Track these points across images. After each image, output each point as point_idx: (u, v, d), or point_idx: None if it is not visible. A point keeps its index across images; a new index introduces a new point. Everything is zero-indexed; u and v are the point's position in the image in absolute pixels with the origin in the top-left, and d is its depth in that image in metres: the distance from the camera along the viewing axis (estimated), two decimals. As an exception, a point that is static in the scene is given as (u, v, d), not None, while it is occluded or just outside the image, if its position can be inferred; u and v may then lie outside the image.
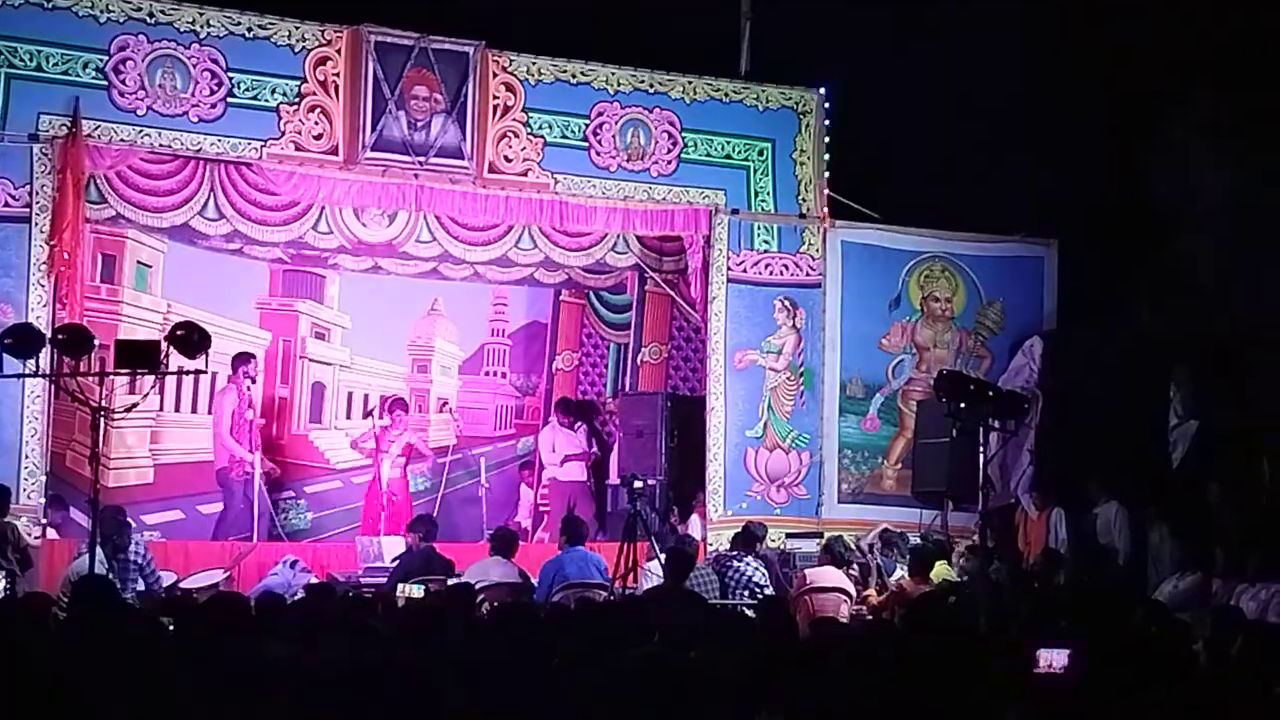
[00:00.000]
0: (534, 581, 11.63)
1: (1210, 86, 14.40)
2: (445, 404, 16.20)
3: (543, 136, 14.12)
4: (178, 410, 14.75)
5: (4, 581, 9.79)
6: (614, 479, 15.28)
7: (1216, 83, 14.33)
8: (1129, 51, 14.58)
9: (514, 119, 14.03)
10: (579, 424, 15.80)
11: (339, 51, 13.48)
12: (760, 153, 14.93)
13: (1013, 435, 12.59)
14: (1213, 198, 14.63)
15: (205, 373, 11.58)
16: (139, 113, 12.83)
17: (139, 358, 10.28)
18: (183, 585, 11.92)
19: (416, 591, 10.63)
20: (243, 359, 14.31)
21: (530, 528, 16.04)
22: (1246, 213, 14.30)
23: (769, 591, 11.98)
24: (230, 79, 13.11)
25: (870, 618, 11.43)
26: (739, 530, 13.07)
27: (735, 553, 12.58)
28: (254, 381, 14.34)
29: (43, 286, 12.41)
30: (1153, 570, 13.23)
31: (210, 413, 14.61)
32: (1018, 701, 6.39)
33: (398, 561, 12.23)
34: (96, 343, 10.48)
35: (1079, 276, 15.69)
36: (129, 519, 12.07)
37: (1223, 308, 14.39)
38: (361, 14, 13.55)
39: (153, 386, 11.05)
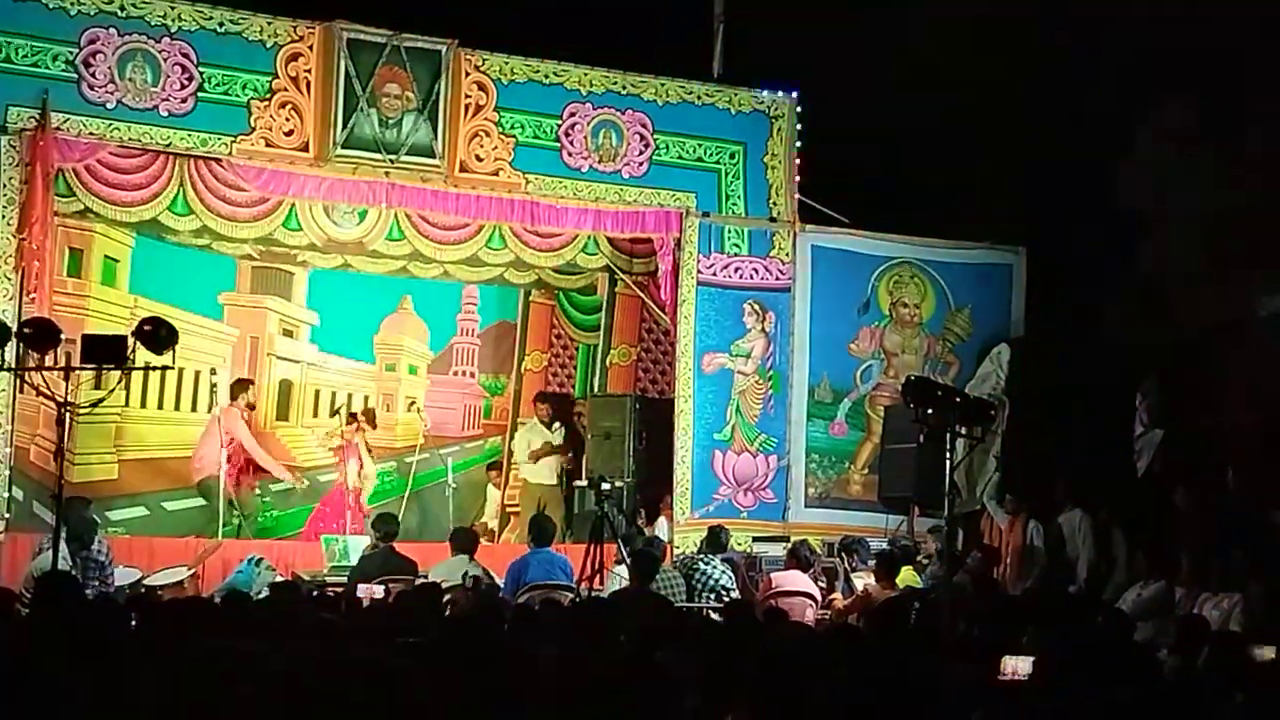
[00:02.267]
0: (499, 582, 11.61)
1: (1180, 92, 14.47)
2: (413, 403, 16.16)
3: (514, 136, 14.11)
4: (144, 406, 14.66)
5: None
6: (582, 480, 15.26)
7: (1186, 89, 14.39)
8: (1099, 57, 14.64)
9: (486, 118, 14.01)
10: (558, 425, 15.74)
11: (311, 48, 13.44)
12: (732, 156, 14.95)
13: (979, 442, 12.60)
14: (1180, 205, 14.70)
15: (171, 368, 11.52)
16: (109, 106, 12.77)
17: (105, 353, 10.23)
18: (147, 582, 11.86)
19: (378, 591, 10.59)
20: (242, 385, 14.38)
21: (497, 528, 16.02)
22: (1213, 220, 14.37)
23: (735, 595, 11.98)
24: (201, 74, 13.06)
25: (835, 622, 11.43)
26: (706, 533, 13.07)
27: (702, 555, 12.59)
28: (252, 409, 14.43)
29: (9, 280, 12.34)
30: (1113, 577, 13.27)
31: (178, 409, 14.58)
32: (981, 708, 6.40)
33: (359, 560, 12.21)
34: (63, 337, 10.41)
35: (1047, 284, 15.76)
36: (93, 515, 12.03)
37: (1190, 315, 14.45)
38: (334, 10, 13.51)
39: (119, 382, 10.99)
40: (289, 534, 14.87)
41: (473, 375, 16.81)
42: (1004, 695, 6.62)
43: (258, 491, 14.93)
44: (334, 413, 15.62)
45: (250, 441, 14.38)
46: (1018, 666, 6.64)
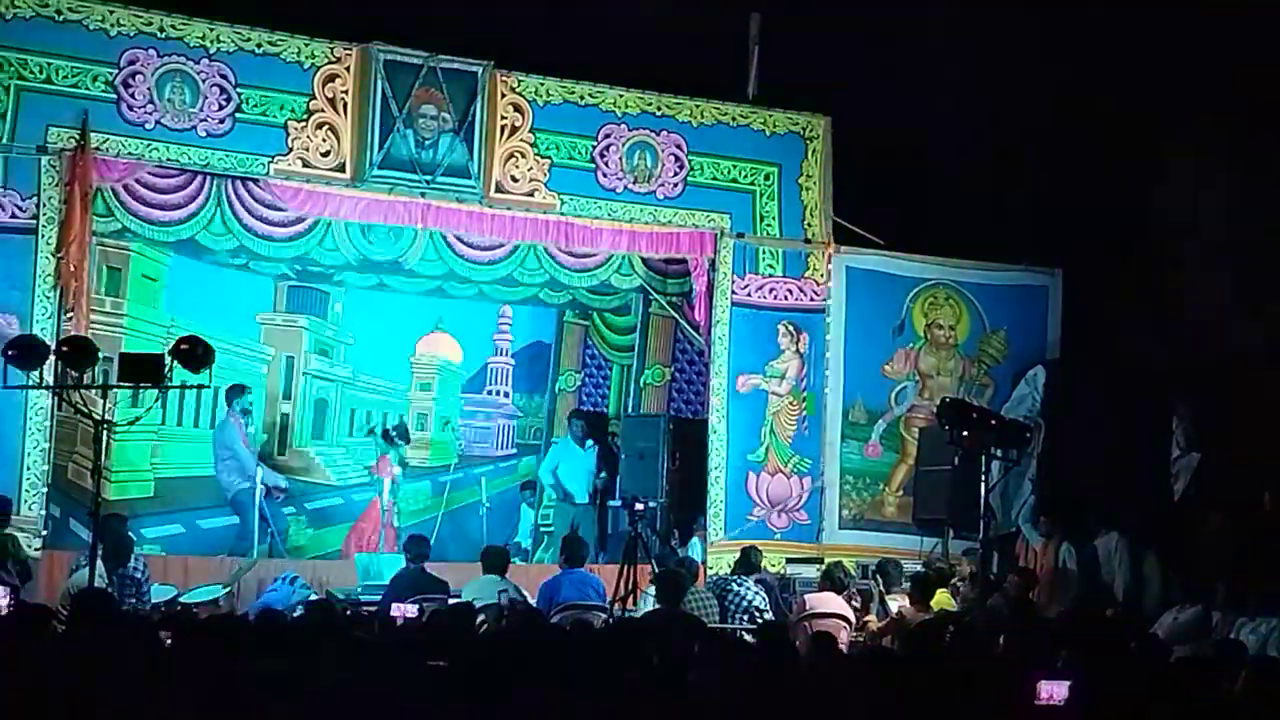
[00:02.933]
0: (532, 601, 11.61)
1: (1215, 117, 14.42)
2: (447, 423, 16.19)
3: (549, 157, 14.15)
4: (180, 424, 14.73)
5: (8, 598, 9.77)
6: (615, 500, 15.25)
7: (1222, 113, 14.34)
8: (1135, 81, 14.60)
9: (521, 139, 14.06)
10: (592, 444, 15.73)
11: (348, 69, 13.51)
12: (766, 177, 14.95)
13: (1014, 464, 12.60)
14: (1217, 229, 14.64)
15: (208, 387, 11.58)
16: (147, 126, 12.86)
17: (142, 371, 10.30)
18: (182, 600, 11.91)
19: (411, 610, 10.60)
20: (237, 391, 14.39)
21: (530, 548, 16.02)
22: (1251, 244, 14.31)
23: (768, 616, 11.95)
24: (239, 94, 13.14)
25: (869, 645, 11.40)
26: (738, 554, 13.04)
27: (735, 577, 12.56)
28: (249, 414, 14.43)
29: (48, 299, 12.41)
30: (1146, 601, 13.20)
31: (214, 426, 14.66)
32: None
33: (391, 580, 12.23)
34: (100, 355, 10.48)
35: (1083, 306, 15.69)
36: (129, 532, 12.10)
37: (1225, 338, 14.39)
38: (371, 32, 13.59)
39: (156, 400, 11.05)
40: (324, 553, 14.90)
41: (507, 395, 16.84)
42: (1040, 720, 6.59)
43: (291, 510, 14.97)
44: (369, 432, 15.66)
45: (244, 451, 14.31)
46: (1054, 691, 6.60)
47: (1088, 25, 14.74)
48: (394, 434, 15.14)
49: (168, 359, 10.25)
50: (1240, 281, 14.43)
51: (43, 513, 12.34)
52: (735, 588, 12.18)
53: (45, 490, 12.39)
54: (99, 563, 10.57)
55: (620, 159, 14.41)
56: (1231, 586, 11.75)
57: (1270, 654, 10.29)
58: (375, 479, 15.06)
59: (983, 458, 11.51)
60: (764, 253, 14.92)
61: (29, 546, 11.93)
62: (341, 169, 13.47)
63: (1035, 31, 14.96)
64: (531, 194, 14.10)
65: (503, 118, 13.99)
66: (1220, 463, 14.28)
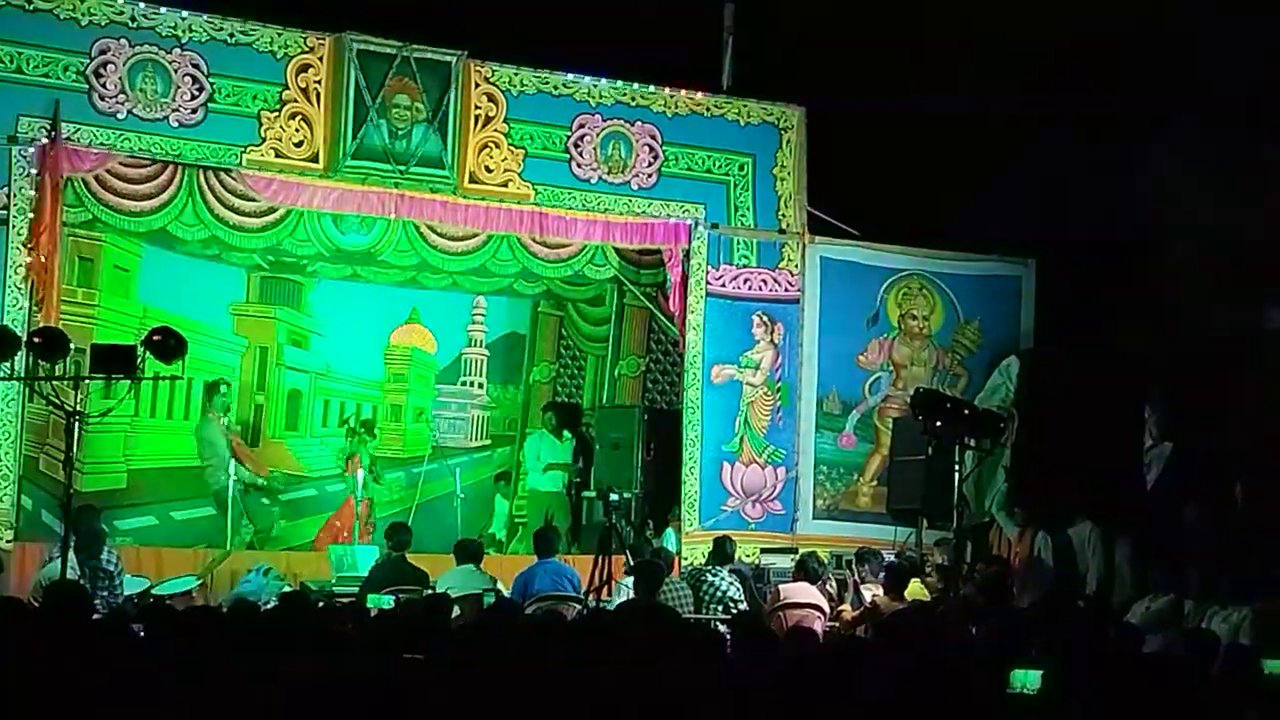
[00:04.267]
0: (504, 590, 11.61)
1: (1191, 106, 14.46)
2: (421, 413, 16.17)
3: (524, 147, 14.13)
4: (153, 415, 14.68)
5: None
6: (590, 491, 15.27)
7: (1194, 103, 14.38)
8: (1107, 72, 14.64)
9: (495, 129, 14.04)
10: (568, 435, 15.73)
11: (321, 59, 13.47)
12: (741, 168, 14.96)
13: (988, 454, 12.61)
14: (1189, 218, 14.68)
15: (181, 378, 11.54)
16: (119, 116, 12.80)
17: (115, 362, 10.25)
18: (155, 592, 11.85)
19: (386, 602, 10.58)
20: (214, 387, 14.38)
21: (505, 539, 16.01)
22: (1225, 234, 14.35)
23: (743, 606, 11.96)
24: (211, 84, 13.09)
25: (843, 634, 11.42)
26: (712, 544, 13.05)
27: (709, 567, 12.57)
28: (228, 410, 14.43)
29: (19, 289, 12.36)
30: (1118, 590, 13.26)
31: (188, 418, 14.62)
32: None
33: (369, 570, 12.20)
34: (72, 346, 10.43)
35: (1056, 296, 15.74)
36: (101, 525, 12.05)
37: (1199, 328, 14.43)
38: (344, 22, 13.54)
39: (128, 391, 11.01)
40: (298, 545, 14.87)
41: (481, 386, 16.82)
42: (1013, 709, 6.60)
43: (266, 502, 14.93)
44: (342, 423, 15.63)
45: (223, 447, 14.25)
46: (1026, 680, 6.61)
47: (1067, 13, 14.76)
48: (359, 429, 15.09)
49: (140, 350, 10.21)
50: (1214, 271, 14.46)
51: (14, 505, 12.28)
52: (710, 578, 12.19)
53: (17, 482, 12.33)
54: (71, 554, 10.53)
55: (595, 149, 14.40)
56: (1204, 575, 11.80)
57: (1242, 642, 10.34)
58: (348, 477, 15.00)
59: (956, 448, 11.51)
60: (738, 243, 14.93)
61: (0, 539, 11.87)
62: (315, 159, 13.43)
63: (1014, 19, 14.96)
64: (505, 184, 14.08)
65: (477, 108, 13.97)
66: (1194, 452, 14.33)
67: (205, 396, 14.46)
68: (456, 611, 10.35)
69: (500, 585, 11.64)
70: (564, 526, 15.05)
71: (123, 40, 12.82)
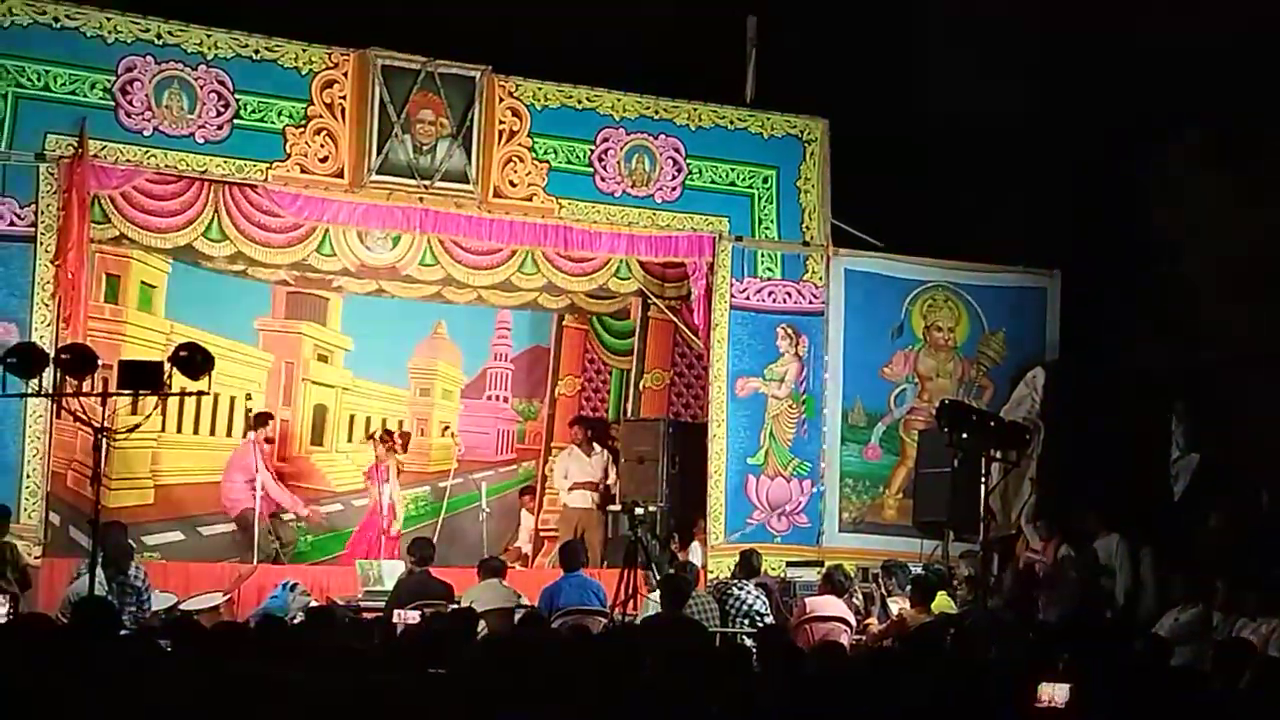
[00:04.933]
0: (530, 604, 11.61)
1: (1213, 119, 14.42)
2: (447, 428, 16.18)
3: (548, 161, 14.15)
4: (179, 431, 14.74)
5: (7, 606, 9.77)
6: (615, 505, 15.26)
7: (1217, 113, 14.34)
8: (1132, 82, 14.61)
9: (519, 144, 14.06)
10: (599, 448, 15.72)
11: (346, 75, 13.51)
12: (765, 180, 14.95)
13: (1014, 466, 12.59)
14: (1216, 230, 14.63)
15: (207, 394, 11.57)
16: (145, 133, 12.86)
17: (142, 378, 10.28)
18: (182, 607, 11.90)
19: (413, 616, 10.60)
20: (261, 419, 14.44)
21: (530, 553, 16.02)
22: (1249, 245, 14.30)
23: (769, 620, 11.95)
24: (237, 101, 13.15)
25: (870, 647, 11.40)
26: (738, 558, 13.03)
27: (735, 580, 12.55)
28: (271, 443, 14.47)
29: (47, 306, 12.41)
30: (1145, 602, 13.20)
31: (214, 434, 14.65)
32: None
33: (395, 585, 12.21)
34: (99, 363, 10.48)
35: (1082, 307, 15.69)
36: (129, 540, 12.10)
37: (1224, 339, 14.38)
38: (368, 37, 13.59)
39: (155, 407, 11.04)
40: (324, 559, 14.90)
41: (506, 400, 16.84)
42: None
43: (290, 517, 14.97)
44: (369, 436, 15.66)
45: (264, 475, 14.26)
46: (1055, 693, 6.59)
47: (1086, 29, 14.74)
48: (395, 439, 15.11)
49: (167, 366, 10.24)
50: (1238, 282, 14.42)
51: (42, 521, 12.33)
52: (736, 591, 12.18)
53: (45, 498, 12.38)
54: (99, 570, 10.57)
55: (618, 163, 14.41)
56: (1231, 587, 11.75)
57: (1271, 654, 10.28)
58: (370, 484, 15.01)
59: (982, 460, 11.49)
60: (762, 256, 14.92)
61: (29, 555, 11.93)
62: (340, 175, 13.47)
63: (1034, 34, 14.96)
64: (530, 198, 14.11)
65: (501, 122, 13.99)
66: (1220, 463, 14.27)
67: (253, 424, 14.48)
68: (482, 627, 10.36)
69: (525, 600, 11.64)
70: (596, 541, 15.07)
71: (149, 57, 12.89)
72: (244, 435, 14.61)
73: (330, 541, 15.26)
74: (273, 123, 13.27)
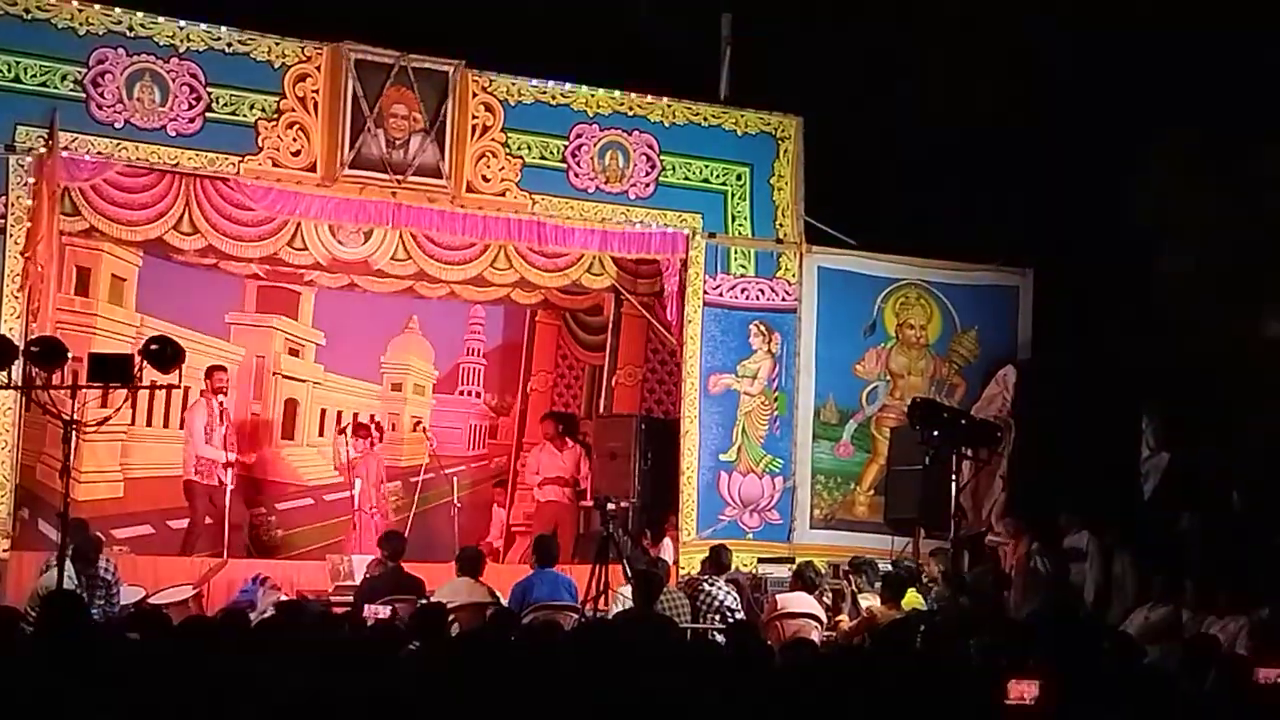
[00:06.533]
0: (504, 602, 11.59)
1: (1189, 118, 14.48)
2: (419, 423, 16.15)
3: (521, 157, 14.13)
4: (149, 425, 14.68)
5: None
6: (587, 500, 15.26)
7: (1190, 110, 14.40)
8: (1106, 78, 14.66)
9: (493, 139, 14.04)
10: (571, 445, 15.71)
11: (319, 68, 13.47)
12: (738, 177, 14.96)
13: (985, 464, 12.62)
14: (1186, 227, 14.70)
15: (178, 387, 11.55)
16: (116, 126, 12.80)
17: (112, 371, 10.25)
18: (151, 601, 11.85)
19: (384, 612, 10.57)
20: (212, 372, 14.30)
21: (502, 548, 16.00)
22: (1223, 245, 14.37)
23: (740, 616, 11.96)
24: (209, 94, 13.09)
25: (841, 644, 11.41)
26: (708, 553, 13.03)
27: (706, 577, 12.55)
28: (224, 394, 14.29)
29: (16, 298, 12.34)
30: (1117, 600, 13.25)
31: (182, 428, 14.56)
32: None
33: (364, 580, 12.18)
34: (69, 355, 10.43)
35: (1053, 306, 15.75)
36: (97, 533, 12.04)
37: (1196, 338, 14.45)
38: (342, 31, 13.54)
39: (125, 400, 11.00)
40: (295, 554, 14.85)
41: (479, 395, 16.82)
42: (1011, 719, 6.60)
43: (261, 510, 14.92)
44: (341, 430, 15.61)
45: (198, 437, 14.03)
46: (1024, 690, 6.61)
47: (1061, 27, 14.79)
48: (372, 430, 15.07)
49: (137, 359, 10.20)
50: (1211, 282, 14.49)
51: (11, 514, 12.27)
52: (707, 587, 12.18)
53: (13, 491, 12.32)
54: (68, 564, 10.52)
55: (592, 159, 14.40)
56: (1200, 586, 11.80)
57: (1239, 652, 10.33)
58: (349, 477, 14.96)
59: (954, 457, 11.52)
60: (736, 253, 14.93)
61: (-3, 549, 11.87)
62: (312, 169, 13.43)
63: (1009, 32, 15.00)
64: (503, 194, 14.09)
65: (474, 117, 13.97)
66: (1190, 462, 14.33)
67: (203, 379, 14.31)
68: (453, 622, 10.33)
69: (500, 598, 11.62)
70: (570, 537, 15.07)
71: (120, 49, 12.83)
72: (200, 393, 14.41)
73: (300, 536, 15.21)
74: (245, 116, 13.23)
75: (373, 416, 15.88)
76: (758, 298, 14.95)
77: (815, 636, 11.51)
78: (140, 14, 12.92)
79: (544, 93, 14.30)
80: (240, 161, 13.20)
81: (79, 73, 12.68)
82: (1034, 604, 12.84)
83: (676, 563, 14.05)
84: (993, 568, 13.79)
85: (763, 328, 14.95)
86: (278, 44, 13.38)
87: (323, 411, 16.00)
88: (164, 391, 12.70)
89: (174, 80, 12.98)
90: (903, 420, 14.23)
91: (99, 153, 12.75)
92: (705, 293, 14.75)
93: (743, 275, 14.92)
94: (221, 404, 14.16)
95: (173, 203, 13.17)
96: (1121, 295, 15.12)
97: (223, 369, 14.43)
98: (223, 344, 15.21)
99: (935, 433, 11.61)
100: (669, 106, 14.75)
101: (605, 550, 12.25)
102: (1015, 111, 15.10)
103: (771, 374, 14.95)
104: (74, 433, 10.27)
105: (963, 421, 11.99)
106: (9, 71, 12.48)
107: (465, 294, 15.54)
